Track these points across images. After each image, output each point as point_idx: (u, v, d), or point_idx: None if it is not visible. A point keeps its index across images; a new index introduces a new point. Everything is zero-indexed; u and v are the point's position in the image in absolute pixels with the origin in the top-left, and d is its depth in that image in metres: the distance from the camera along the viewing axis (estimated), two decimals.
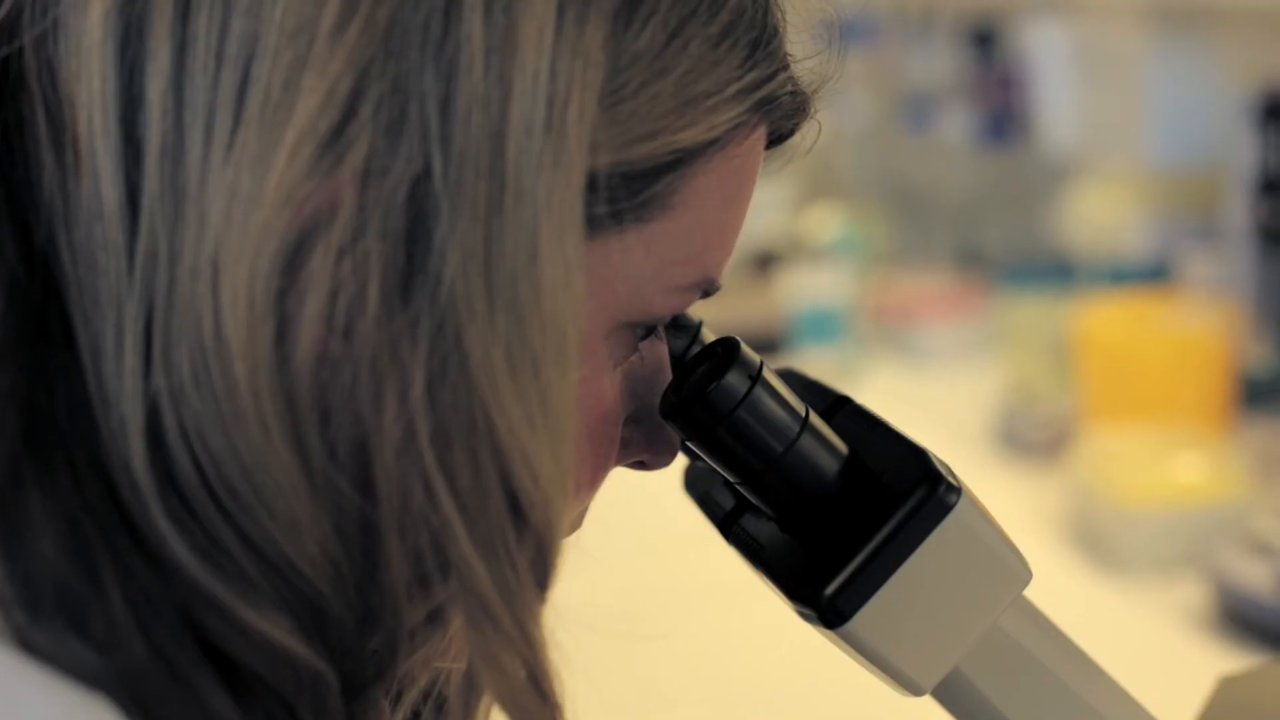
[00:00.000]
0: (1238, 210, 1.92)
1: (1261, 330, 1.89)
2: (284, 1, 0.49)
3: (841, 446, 0.64)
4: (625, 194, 0.54)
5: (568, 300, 0.51)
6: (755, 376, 0.62)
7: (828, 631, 0.60)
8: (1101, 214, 2.04)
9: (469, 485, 0.51)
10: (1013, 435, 1.91)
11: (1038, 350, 2.01)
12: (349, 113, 0.49)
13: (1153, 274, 2.03)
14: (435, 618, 0.56)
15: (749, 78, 0.55)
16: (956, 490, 0.60)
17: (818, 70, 0.60)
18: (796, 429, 0.62)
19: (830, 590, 0.59)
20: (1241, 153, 1.90)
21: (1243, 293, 1.90)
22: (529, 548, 0.52)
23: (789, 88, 0.58)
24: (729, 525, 0.68)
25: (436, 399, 0.50)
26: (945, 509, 0.60)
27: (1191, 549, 1.57)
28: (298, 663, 0.52)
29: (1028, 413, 1.92)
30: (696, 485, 0.73)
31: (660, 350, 0.63)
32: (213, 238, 0.50)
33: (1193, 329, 1.87)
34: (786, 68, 0.58)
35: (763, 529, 0.66)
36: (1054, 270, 2.12)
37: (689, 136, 0.54)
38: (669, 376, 0.64)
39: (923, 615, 0.60)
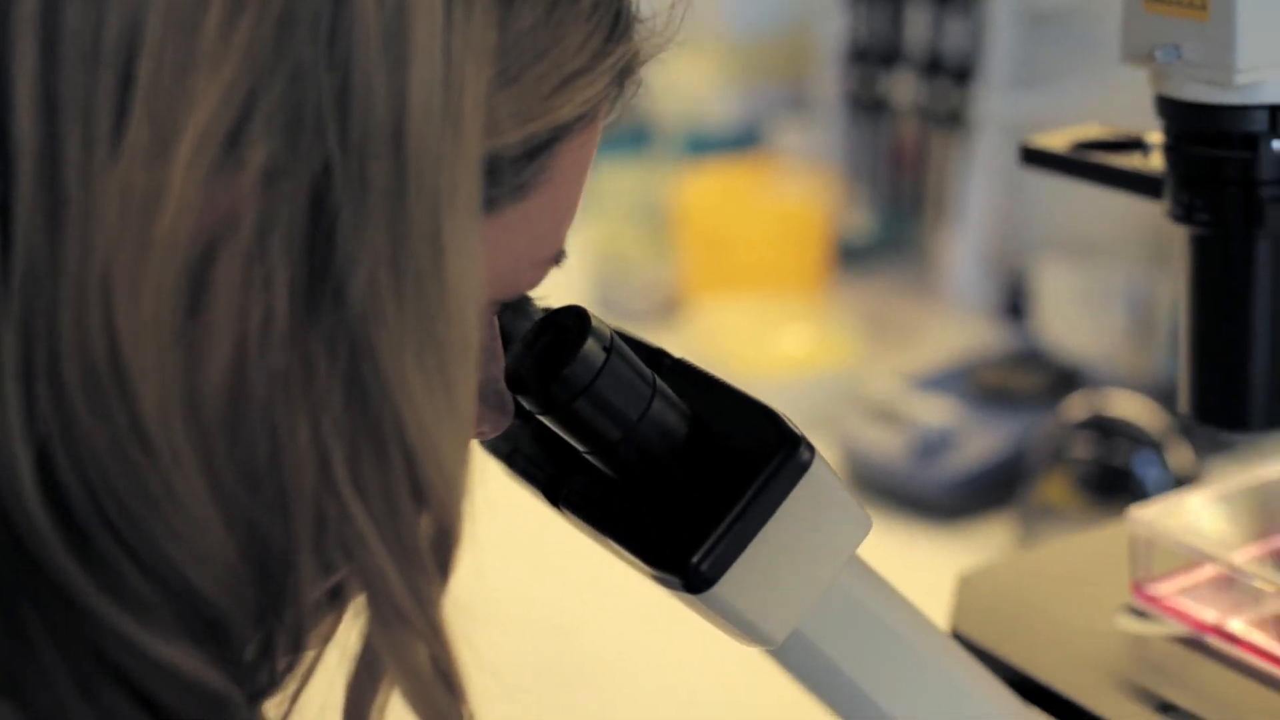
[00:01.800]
0: (827, 78, 1.95)
1: (854, 197, 1.93)
2: None
3: (685, 408, 0.64)
4: (512, 175, 0.54)
5: (472, 292, 0.51)
6: (609, 346, 0.62)
7: (687, 595, 0.61)
8: (686, 80, 2.03)
9: (380, 489, 0.50)
10: (612, 303, 1.89)
11: (628, 218, 1.99)
12: (246, 112, 0.47)
13: (741, 142, 2.04)
14: (324, 606, 0.56)
15: (615, 50, 0.56)
16: (811, 448, 0.62)
17: (661, 32, 0.60)
18: (649, 395, 0.62)
19: (698, 558, 0.60)
20: (829, 20, 1.92)
21: (834, 160, 1.93)
22: (433, 541, 0.52)
23: (642, 54, 0.59)
24: (555, 491, 0.67)
25: (350, 406, 0.49)
26: (803, 468, 0.61)
27: (810, 415, 1.59)
28: (206, 689, 0.50)
29: (625, 281, 1.91)
30: (500, 446, 0.70)
31: (494, 320, 0.62)
32: (102, 252, 0.46)
33: (789, 197, 1.89)
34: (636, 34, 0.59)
35: (596, 493, 0.65)
36: (639, 137, 2.10)
37: (567, 112, 0.55)
38: (501, 346, 0.63)
39: (781, 571, 0.62)
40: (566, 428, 0.63)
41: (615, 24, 0.56)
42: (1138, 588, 0.83)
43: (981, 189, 1.82)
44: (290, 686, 0.56)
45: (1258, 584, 0.81)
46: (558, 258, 0.60)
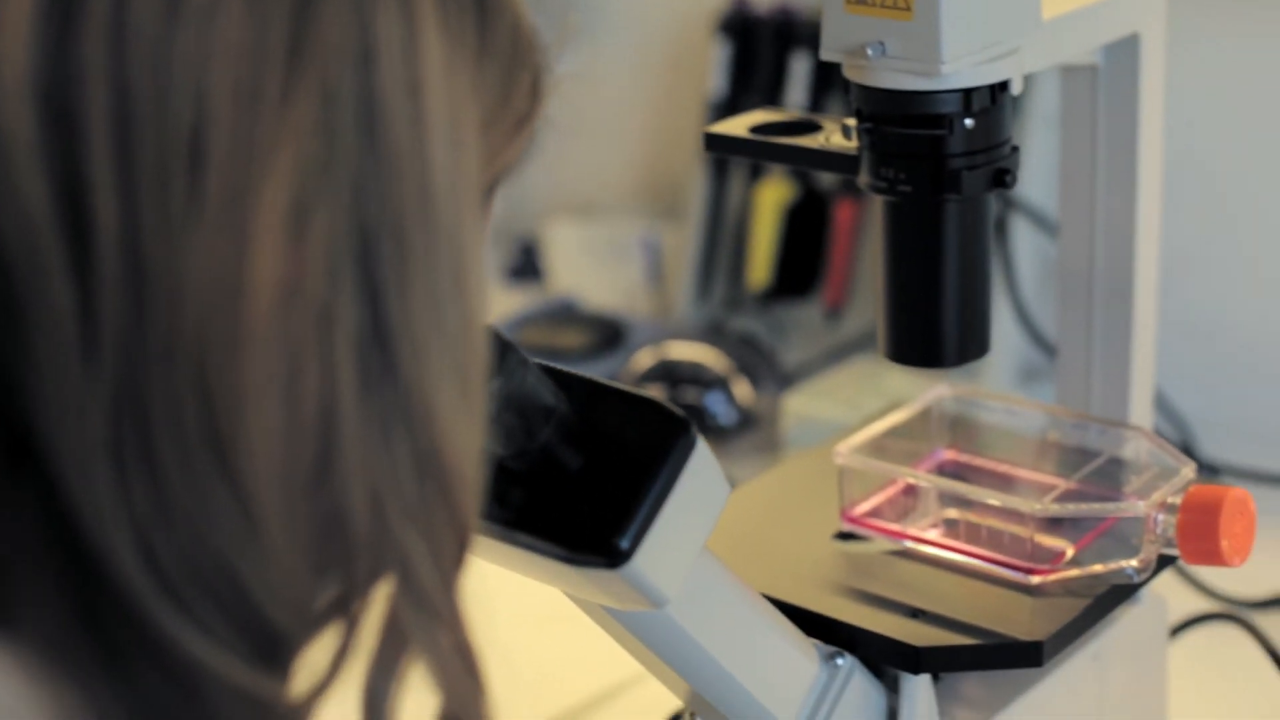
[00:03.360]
0: None
1: None
2: (226, 70, 0.49)
3: (579, 411, 0.70)
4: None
5: (485, 313, 0.56)
6: (522, 361, 0.68)
7: (601, 574, 0.68)
8: None
9: (421, 504, 0.54)
10: None
11: None
12: (304, 182, 0.50)
13: None
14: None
15: (543, 98, 0.61)
16: (694, 425, 0.69)
17: None
18: (557, 403, 0.69)
19: (620, 537, 0.67)
20: None
21: None
22: (454, 529, 0.56)
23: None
24: None
25: (398, 435, 0.53)
26: (693, 445, 0.69)
27: None
28: (259, 697, 0.53)
29: None
30: None
31: None
32: (193, 325, 0.49)
33: None
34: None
35: (506, 500, 0.70)
36: None
37: (512, 155, 0.60)
38: None
39: (676, 536, 0.70)
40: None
41: (539, 76, 0.61)
42: (844, 511, 0.95)
43: None
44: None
45: (936, 494, 0.95)
46: None
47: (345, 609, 0.55)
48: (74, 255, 0.48)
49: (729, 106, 1.71)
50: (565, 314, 1.72)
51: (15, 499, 0.50)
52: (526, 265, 1.86)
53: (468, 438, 0.55)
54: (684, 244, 1.75)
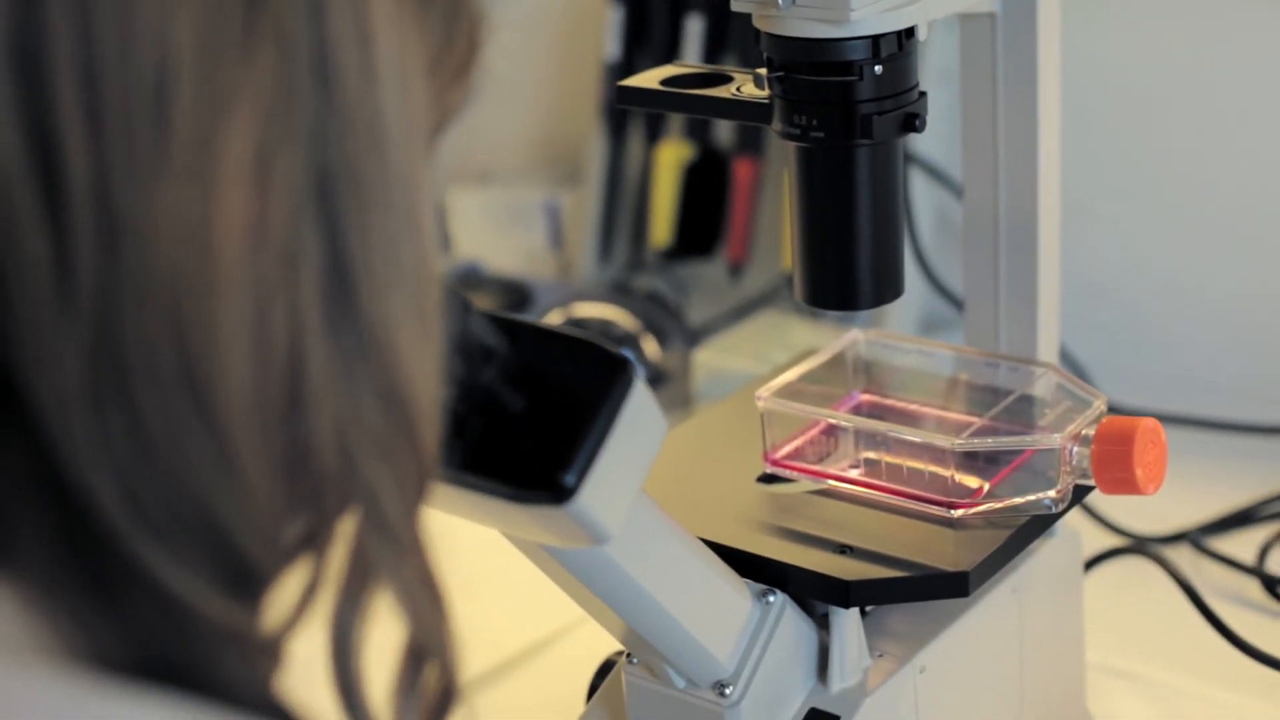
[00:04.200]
0: None
1: None
2: (188, 22, 0.50)
3: (520, 352, 0.71)
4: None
5: (436, 248, 0.57)
6: (467, 304, 0.69)
7: (547, 510, 0.69)
8: None
9: (383, 433, 0.55)
10: None
11: None
12: (268, 130, 0.51)
13: None
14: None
15: (480, 44, 0.62)
16: (633, 363, 0.71)
17: None
18: (498, 345, 0.70)
19: (566, 474, 0.68)
20: None
21: None
22: (416, 461, 0.57)
23: None
24: None
25: (364, 372, 0.54)
26: (631, 382, 0.70)
27: None
28: (233, 628, 0.54)
29: None
30: None
31: None
32: (165, 271, 0.50)
33: None
34: None
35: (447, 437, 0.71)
36: None
37: (457, 98, 0.61)
38: None
39: (617, 473, 0.71)
40: None
41: (477, 23, 0.62)
42: (768, 455, 0.97)
43: None
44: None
45: (856, 435, 0.97)
46: None
47: (315, 542, 0.57)
48: (47, 206, 0.49)
49: (624, 69, 1.72)
50: (470, 280, 1.73)
51: (3, 438, 0.51)
52: None
53: (427, 372, 0.56)
54: (585, 207, 1.76)
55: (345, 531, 0.57)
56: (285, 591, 0.56)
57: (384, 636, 0.58)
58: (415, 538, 0.58)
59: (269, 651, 0.55)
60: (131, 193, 0.49)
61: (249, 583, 0.54)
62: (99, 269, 0.49)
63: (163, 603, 0.52)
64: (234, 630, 0.54)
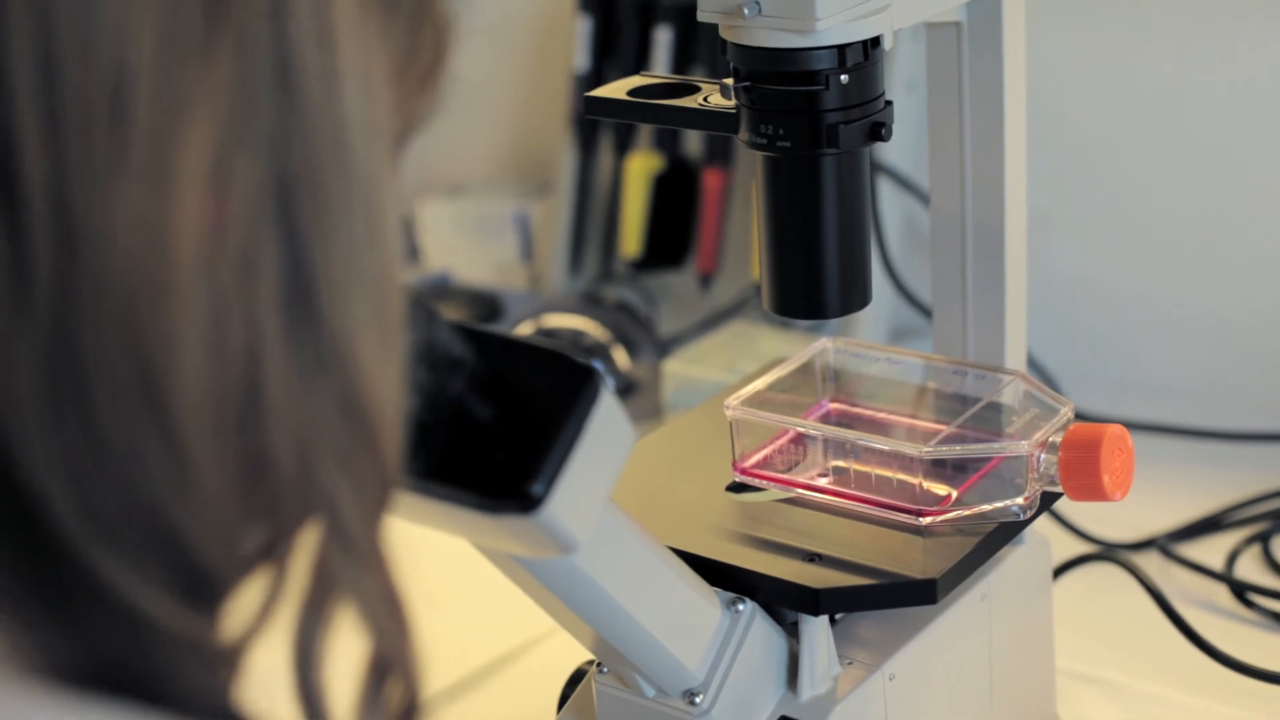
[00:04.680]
0: None
1: None
2: (148, 23, 0.49)
3: (486, 362, 0.71)
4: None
5: (400, 257, 0.56)
6: (433, 314, 0.69)
7: (515, 519, 0.69)
8: None
9: (343, 443, 0.55)
10: None
11: None
12: (228, 135, 0.51)
13: None
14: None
15: (448, 53, 0.61)
16: (600, 373, 0.70)
17: None
18: (465, 355, 0.70)
19: (533, 483, 0.68)
20: None
21: None
22: (377, 472, 0.56)
23: None
24: None
25: (325, 381, 0.54)
26: (598, 392, 0.70)
27: None
28: (189, 636, 0.53)
29: None
30: None
31: None
32: (123, 275, 0.49)
33: None
34: None
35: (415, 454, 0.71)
36: None
37: (423, 105, 0.60)
38: None
39: (585, 482, 0.70)
40: None
41: (444, 28, 0.61)
42: (737, 463, 0.97)
43: None
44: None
45: (825, 443, 0.97)
46: None
47: (275, 552, 0.56)
48: (3, 206, 0.49)
49: (594, 81, 1.72)
50: (441, 291, 1.73)
51: None
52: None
53: (389, 381, 0.56)
54: (555, 217, 1.76)
55: (309, 542, 0.56)
56: (245, 601, 0.56)
57: (349, 647, 0.58)
58: (377, 549, 0.57)
59: (228, 661, 0.55)
60: (88, 194, 0.49)
61: (206, 592, 0.54)
62: (55, 271, 0.49)
63: (118, 611, 0.51)
64: (191, 639, 0.53)
